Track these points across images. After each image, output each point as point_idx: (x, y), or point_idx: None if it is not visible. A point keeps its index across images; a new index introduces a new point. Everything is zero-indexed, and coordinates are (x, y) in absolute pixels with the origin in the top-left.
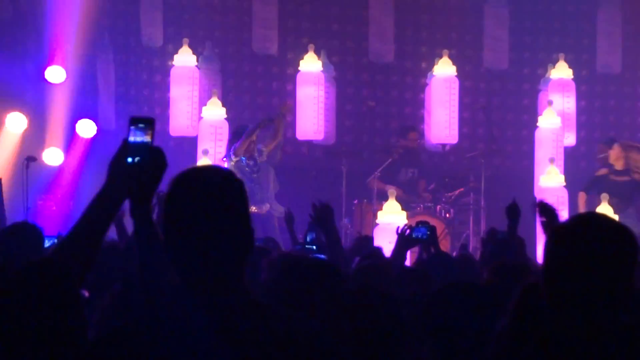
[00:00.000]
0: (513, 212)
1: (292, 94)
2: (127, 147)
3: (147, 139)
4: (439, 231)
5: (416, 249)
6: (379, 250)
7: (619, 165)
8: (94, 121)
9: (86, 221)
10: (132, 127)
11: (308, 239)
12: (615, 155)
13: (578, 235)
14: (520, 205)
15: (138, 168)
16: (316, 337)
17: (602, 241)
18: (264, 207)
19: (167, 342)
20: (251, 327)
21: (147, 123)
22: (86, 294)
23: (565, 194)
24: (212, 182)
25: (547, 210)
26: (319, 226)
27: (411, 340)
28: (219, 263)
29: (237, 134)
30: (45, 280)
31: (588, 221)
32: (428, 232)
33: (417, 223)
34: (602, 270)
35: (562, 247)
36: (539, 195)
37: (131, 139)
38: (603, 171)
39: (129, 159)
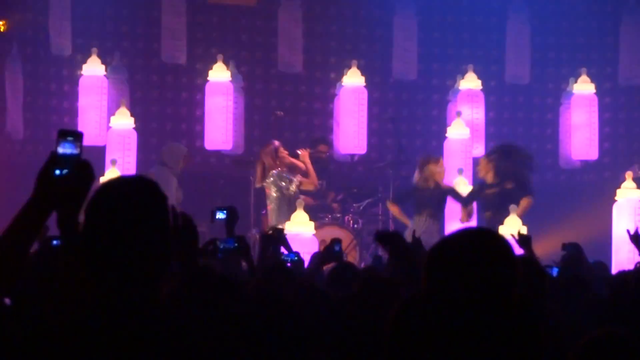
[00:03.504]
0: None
1: (201, 104)
2: (55, 160)
3: (75, 151)
4: (346, 242)
5: None
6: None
7: (488, 178)
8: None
9: (12, 232)
10: (60, 140)
11: (222, 247)
12: (483, 169)
13: (455, 253)
14: None
15: (66, 180)
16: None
17: (480, 254)
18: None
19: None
20: (159, 341)
21: (75, 136)
22: (8, 302)
23: (472, 206)
24: (130, 194)
25: (387, 239)
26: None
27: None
28: (134, 274)
29: None
30: None
31: (463, 237)
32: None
33: (332, 240)
34: (483, 283)
35: (440, 265)
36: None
37: (59, 151)
38: (477, 186)
39: (57, 171)
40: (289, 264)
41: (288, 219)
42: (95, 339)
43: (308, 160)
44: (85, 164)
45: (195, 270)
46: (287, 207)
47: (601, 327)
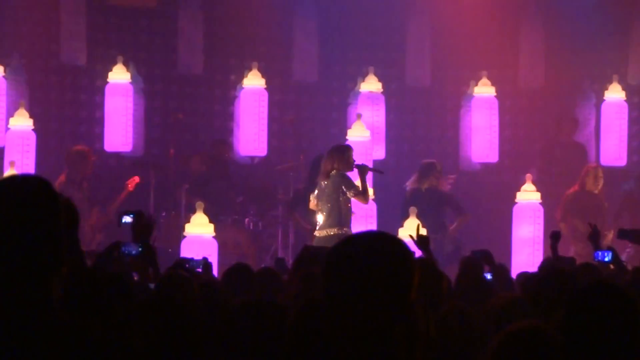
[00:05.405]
0: None
1: (101, 106)
2: None
3: None
4: (247, 244)
5: None
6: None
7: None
8: None
9: None
10: None
11: (126, 252)
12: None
13: (351, 255)
14: None
15: None
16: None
17: (377, 257)
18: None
19: None
20: (51, 345)
21: None
22: None
23: (373, 208)
24: (17, 192)
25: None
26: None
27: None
28: (22, 276)
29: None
30: None
31: (361, 240)
32: None
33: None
34: (376, 287)
35: (337, 267)
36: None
37: None
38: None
39: None
40: (198, 269)
41: (334, 224)
42: None
43: (364, 177)
44: None
45: (84, 271)
46: (338, 210)
47: (517, 322)
